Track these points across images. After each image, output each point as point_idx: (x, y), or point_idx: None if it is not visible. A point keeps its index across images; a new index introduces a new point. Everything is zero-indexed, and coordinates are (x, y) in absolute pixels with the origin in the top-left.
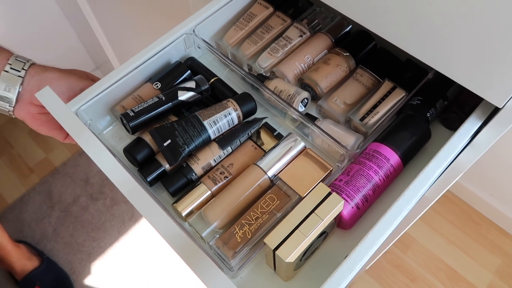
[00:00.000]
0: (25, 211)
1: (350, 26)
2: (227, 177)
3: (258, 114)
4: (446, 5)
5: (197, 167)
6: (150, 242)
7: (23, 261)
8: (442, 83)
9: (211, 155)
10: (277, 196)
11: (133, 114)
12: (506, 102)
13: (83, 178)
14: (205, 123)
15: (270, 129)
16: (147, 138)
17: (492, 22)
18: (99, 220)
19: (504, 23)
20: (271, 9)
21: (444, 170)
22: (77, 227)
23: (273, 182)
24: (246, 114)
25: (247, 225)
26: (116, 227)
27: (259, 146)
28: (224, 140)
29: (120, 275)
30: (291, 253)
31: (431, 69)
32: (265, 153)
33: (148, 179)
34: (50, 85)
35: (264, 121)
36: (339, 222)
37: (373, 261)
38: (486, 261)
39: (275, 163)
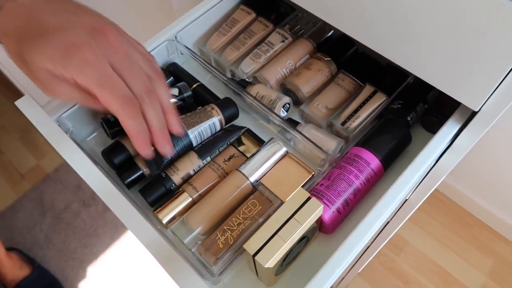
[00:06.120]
0: (16, 218)
1: (332, 31)
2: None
3: (241, 119)
4: (424, 14)
5: (177, 177)
6: (143, 247)
7: (14, 271)
8: (422, 86)
9: (190, 165)
10: (259, 201)
11: (113, 119)
12: (482, 106)
13: (75, 185)
14: (188, 130)
15: (252, 136)
16: (127, 142)
17: (466, 29)
18: (91, 226)
19: (476, 31)
20: (253, 15)
21: (426, 174)
22: (69, 233)
23: (255, 187)
24: (228, 119)
25: (229, 231)
26: (108, 233)
27: (242, 153)
28: (203, 150)
29: (113, 281)
30: (270, 258)
31: (411, 73)
32: (247, 158)
33: (126, 182)
34: None
35: (243, 131)
36: (320, 227)
37: (366, 264)
38: (478, 262)
39: (257, 168)
